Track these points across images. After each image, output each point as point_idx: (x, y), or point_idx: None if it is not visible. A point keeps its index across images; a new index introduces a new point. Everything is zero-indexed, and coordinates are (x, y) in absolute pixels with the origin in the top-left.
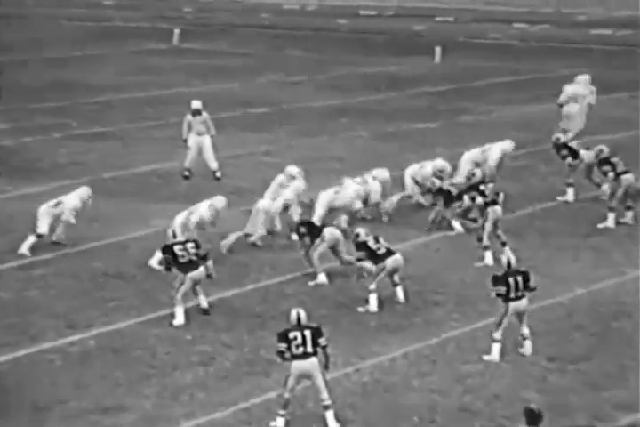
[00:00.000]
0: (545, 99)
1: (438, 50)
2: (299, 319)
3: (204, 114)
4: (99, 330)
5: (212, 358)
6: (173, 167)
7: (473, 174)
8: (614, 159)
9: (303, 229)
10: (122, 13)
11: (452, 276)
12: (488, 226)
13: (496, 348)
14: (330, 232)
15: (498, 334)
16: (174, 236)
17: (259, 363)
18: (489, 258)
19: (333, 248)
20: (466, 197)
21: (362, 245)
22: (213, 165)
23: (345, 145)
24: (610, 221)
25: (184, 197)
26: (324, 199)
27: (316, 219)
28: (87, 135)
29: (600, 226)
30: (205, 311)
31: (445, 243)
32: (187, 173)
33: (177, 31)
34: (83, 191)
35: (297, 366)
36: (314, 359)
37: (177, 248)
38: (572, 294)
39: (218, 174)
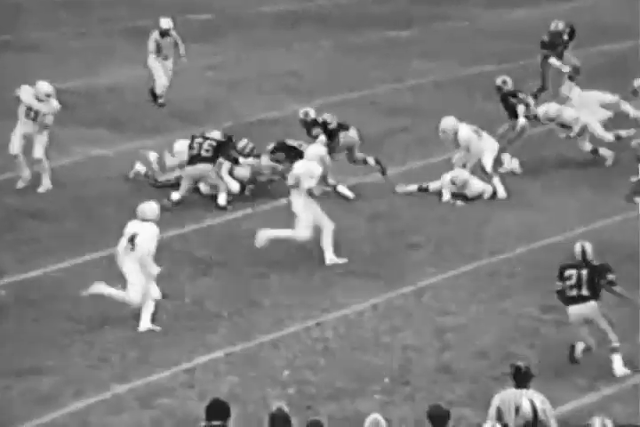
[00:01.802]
0: (537, 1)
1: None
2: (584, 253)
3: (174, 34)
4: (12, 278)
5: None
6: (98, 85)
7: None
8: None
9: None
10: None
11: (430, 212)
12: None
13: None
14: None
15: None
16: None
17: (203, 316)
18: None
19: None
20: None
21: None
22: (161, 90)
23: (303, 58)
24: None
25: (110, 120)
26: None
27: None
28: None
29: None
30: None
31: (426, 171)
32: (161, 101)
33: None
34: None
35: (572, 311)
36: (591, 303)
37: (196, 141)
38: (570, 233)
39: (161, 100)
